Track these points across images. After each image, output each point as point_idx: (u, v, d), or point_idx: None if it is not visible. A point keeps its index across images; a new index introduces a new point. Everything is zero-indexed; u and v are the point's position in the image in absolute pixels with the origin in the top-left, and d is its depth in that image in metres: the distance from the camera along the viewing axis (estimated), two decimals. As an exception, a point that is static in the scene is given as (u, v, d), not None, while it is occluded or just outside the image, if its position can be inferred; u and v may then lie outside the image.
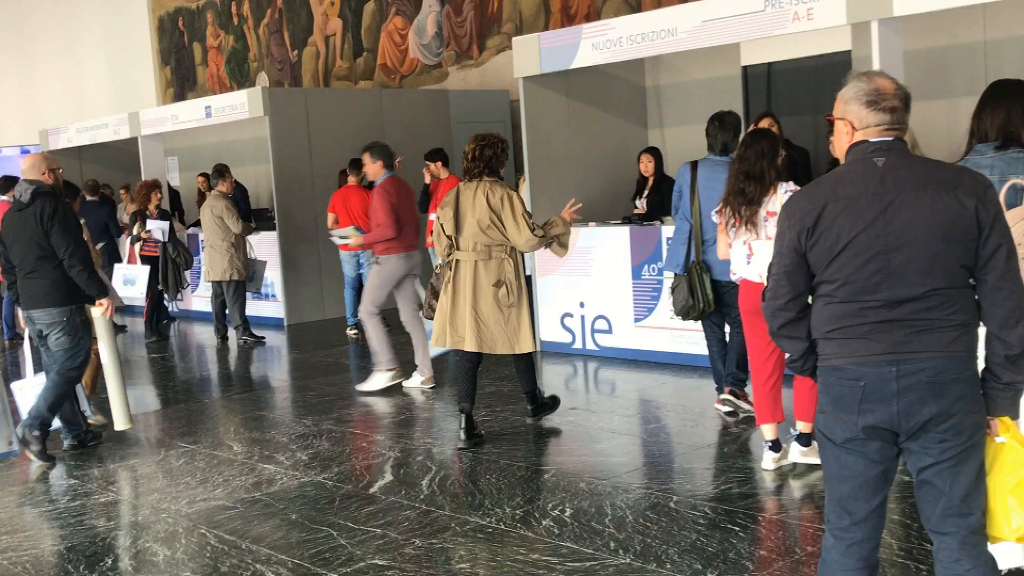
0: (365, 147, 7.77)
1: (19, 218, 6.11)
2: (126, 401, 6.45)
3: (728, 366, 6.20)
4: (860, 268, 2.61)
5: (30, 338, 6.48)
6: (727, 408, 6.19)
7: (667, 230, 7.74)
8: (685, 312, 6.07)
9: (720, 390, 6.27)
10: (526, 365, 6.22)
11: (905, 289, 2.59)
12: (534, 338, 6.20)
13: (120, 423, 6.44)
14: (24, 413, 6.25)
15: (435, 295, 6.18)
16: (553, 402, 6.52)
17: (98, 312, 6.20)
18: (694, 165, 6.11)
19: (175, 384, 8.61)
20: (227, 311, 10.35)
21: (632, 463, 5.58)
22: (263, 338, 10.31)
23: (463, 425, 5.98)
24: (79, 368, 6.20)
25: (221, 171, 10.22)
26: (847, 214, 2.62)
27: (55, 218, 6.01)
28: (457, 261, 5.97)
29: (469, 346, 5.95)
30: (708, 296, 5.95)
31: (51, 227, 6.00)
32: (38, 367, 6.50)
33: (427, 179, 9.92)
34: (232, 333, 10.44)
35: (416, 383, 7.65)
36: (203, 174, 13.19)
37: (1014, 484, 2.70)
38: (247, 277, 10.18)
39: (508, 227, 5.83)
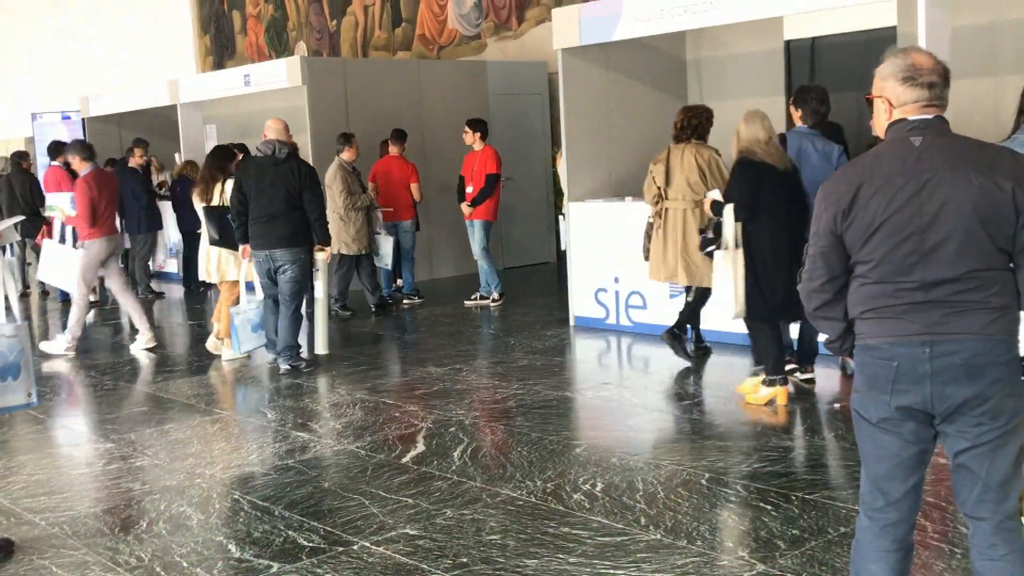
0: (67, 147, 8.79)
1: (275, 171, 7.19)
2: (327, 331, 7.94)
3: (808, 344, 6.20)
4: (894, 249, 2.58)
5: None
6: (806, 376, 6.23)
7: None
8: None
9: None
10: (696, 304, 7.01)
11: (940, 271, 2.55)
12: None
13: (320, 348, 7.88)
14: (241, 334, 7.60)
15: (648, 239, 7.12)
16: (704, 351, 7.26)
17: (322, 256, 7.60)
18: (783, 137, 6.10)
19: (210, 352, 8.68)
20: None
21: (664, 439, 5.56)
22: (351, 312, 9.87)
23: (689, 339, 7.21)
24: (303, 296, 7.46)
25: (348, 137, 9.70)
26: (882, 194, 2.59)
27: (311, 178, 7.28)
28: (666, 209, 6.89)
29: (681, 280, 6.92)
30: None
31: (306, 184, 7.21)
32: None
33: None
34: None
35: (141, 345, 8.62)
36: (237, 146, 13.20)
37: (1052, 470, 2.66)
38: (360, 252, 9.69)
39: (719, 181, 6.64)
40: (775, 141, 5.82)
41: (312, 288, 7.65)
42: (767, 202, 5.69)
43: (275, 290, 7.41)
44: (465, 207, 9.84)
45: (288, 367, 7.44)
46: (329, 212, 9.48)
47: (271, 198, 7.17)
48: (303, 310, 7.56)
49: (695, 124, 6.82)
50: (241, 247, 7.55)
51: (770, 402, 5.90)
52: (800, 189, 5.80)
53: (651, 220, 7.04)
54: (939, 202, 2.54)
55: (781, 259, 5.72)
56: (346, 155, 9.65)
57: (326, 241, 7.50)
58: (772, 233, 5.73)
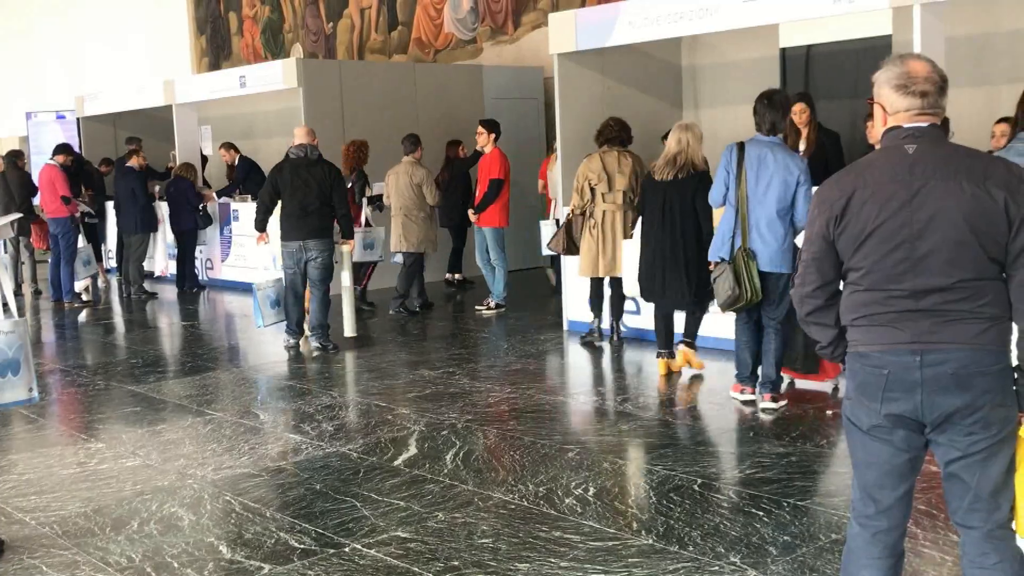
0: None
1: (308, 171, 8.03)
2: (355, 316, 8.79)
3: (765, 369, 5.91)
4: (885, 256, 2.58)
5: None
6: (745, 397, 6.06)
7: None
8: (732, 303, 5.73)
9: (742, 378, 6.07)
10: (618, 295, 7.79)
11: (931, 279, 2.55)
12: None
13: (349, 331, 8.65)
14: (262, 308, 8.26)
15: (569, 236, 7.80)
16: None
17: (347, 248, 8.48)
18: (740, 146, 5.80)
19: (204, 352, 8.68)
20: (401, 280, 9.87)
21: (657, 445, 5.56)
22: (417, 311, 9.89)
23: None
24: (329, 281, 8.24)
25: (416, 140, 9.75)
26: (873, 201, 2.59)
27: (339, 179, 8.17)
28: (604, 211, 7.57)
29: (621, 272, 7.49)
30: (756, 285, 5.66)
31: (335, 184, 8.07)
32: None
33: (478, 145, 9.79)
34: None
35: None
36: (227, 144, 13.20)
37: (1044, 480, 2.67)
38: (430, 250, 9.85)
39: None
40: (684, 153, 6.57)
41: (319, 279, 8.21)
42: (647, 206, 6.77)
43: (299, 282, 8.15)
44: (471, 213, 9.78)
45: (319, 345, 8.18)
46: (412, 210, 9.54)
47: (305, 195, 7.96)
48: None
49: (624, 134, 7.69)
50: (258, 234, 8.44)
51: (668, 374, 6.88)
52: (694, 193, 6.46)
53: (575, 217, 7.70)
54: (931, 210, 2.54)
55: (645, 252, 6.79)
56: (419, 155, 9.70)
57: (350, 235, 8.38)
58: (644, 230, 6.81)
